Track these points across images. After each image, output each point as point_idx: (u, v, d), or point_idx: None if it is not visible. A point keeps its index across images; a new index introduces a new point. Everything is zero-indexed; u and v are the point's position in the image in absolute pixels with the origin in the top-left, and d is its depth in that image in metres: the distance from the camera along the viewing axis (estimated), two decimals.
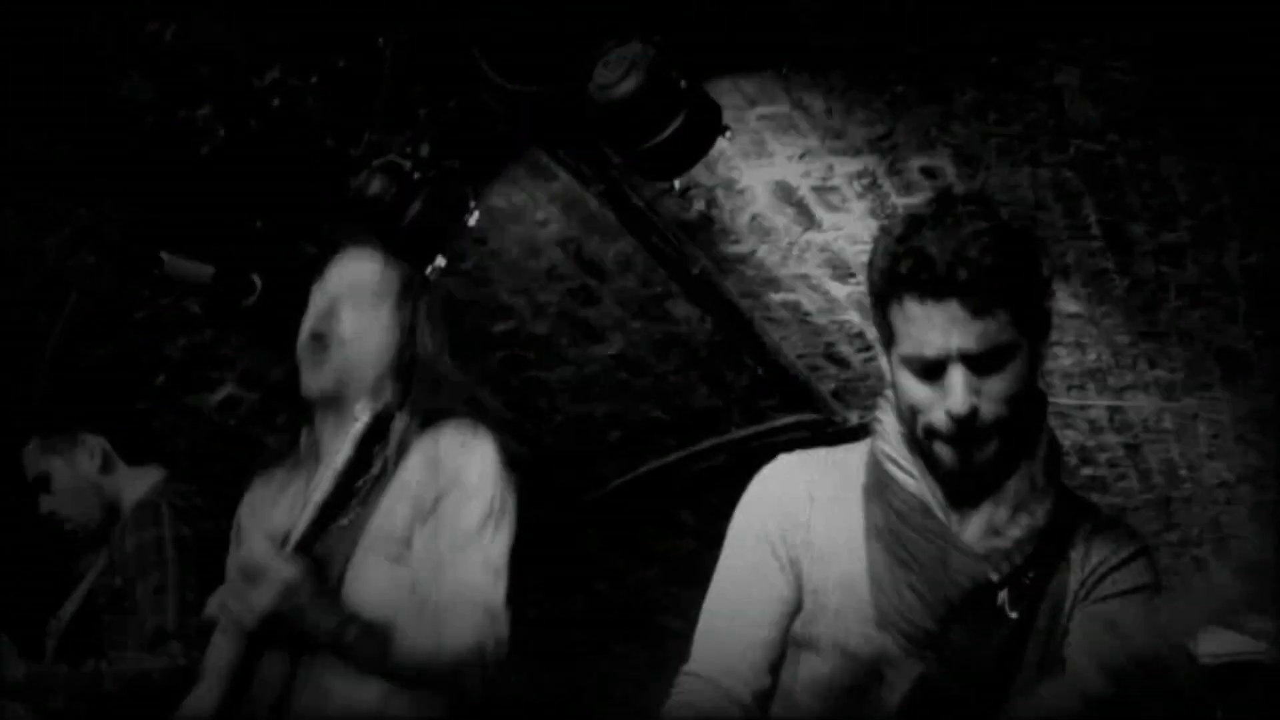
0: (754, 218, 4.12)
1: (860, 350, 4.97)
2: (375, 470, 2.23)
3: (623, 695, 6.59)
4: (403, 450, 2.27)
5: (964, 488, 1.87)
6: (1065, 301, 4.31)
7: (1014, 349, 1.76)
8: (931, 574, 1.85)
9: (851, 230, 4.17)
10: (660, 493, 5.84)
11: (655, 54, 3.06)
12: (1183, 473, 5.80)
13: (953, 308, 1.72)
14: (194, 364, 4.10)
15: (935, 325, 1.74)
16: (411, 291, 2.43)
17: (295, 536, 1.88)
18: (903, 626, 1.86)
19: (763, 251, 4.33)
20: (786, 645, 1.96)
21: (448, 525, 2.22)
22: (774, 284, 4.56)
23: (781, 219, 4.13)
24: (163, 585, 2.97)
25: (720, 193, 3.99)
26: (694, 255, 4.30)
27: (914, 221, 1.78)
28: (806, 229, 4.18)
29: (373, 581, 2.19)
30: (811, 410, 5.49)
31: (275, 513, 2.31)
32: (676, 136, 3.14)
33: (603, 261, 4.34)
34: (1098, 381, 4.96)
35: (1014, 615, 1.85)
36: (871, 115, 3.59)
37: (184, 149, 3.31)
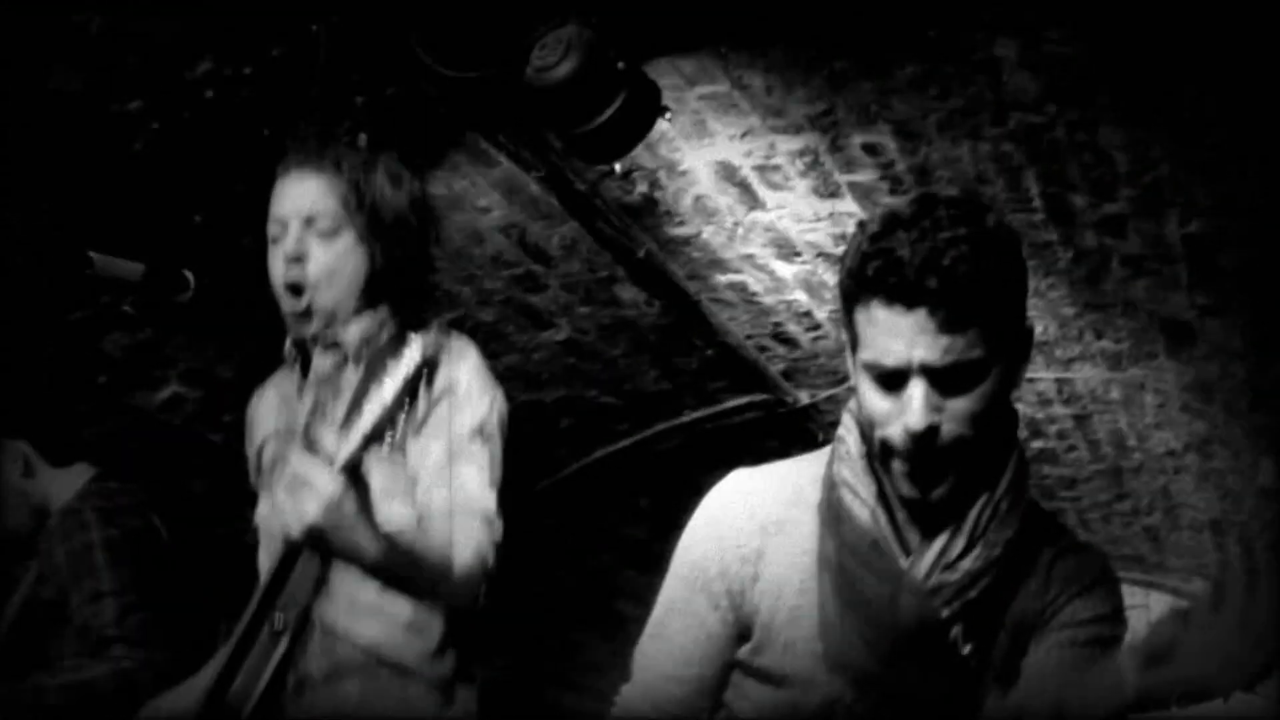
0: (697, 199, 4.11)
1: (809, 329, 4.97)
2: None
3: (580, 681, 6.58)
4: (384, 346, 2.31)
5: (921, 514, 1.79)
6: None
7: (983, 368, 1.66)
8: (880, 616, 1.79)
9: (795, 209, 4.16)
10: (614, 478, 5.82)
11: (592, 35, 3.04)
12: (1131, 443, 5.84)
13: (920, 317, 1.63)
14: (135, 363, 4.04)
15: (899, 334, 1.64)
16: (363, 187, 2.40)
17: (342, 457, 1.89)
18: (851, 670, 1.82)
19: (707, 233, 4.32)
20: (729, 673, 1.92)
21: (440, 434, 2.26)
22: (720, 265, 4.55)
23: (725, 199, 4.12)
24: (99, 592, 2.93)
25: (663, 174, 3.97)
26: (639, 238, 4.29)
27: (891, 220, 1.69)
28: (750, 209, 4.17)
29: (372, 475, 2.17)
30: (762, 391, 5.49)
31: (277, 411, 2.46)
32: (616, 118, 3.12)
33: (547, 247, 4.31)
34: (1045, 354, 4.98)
35: (967, 650, 1.79)
36: (811, 92, 3.58)
37: (116, 144, 3.26)
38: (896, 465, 1.72)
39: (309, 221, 2.37)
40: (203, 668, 2.25)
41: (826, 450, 1.92)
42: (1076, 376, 5.17)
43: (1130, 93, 3.38)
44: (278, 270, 2.39)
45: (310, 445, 2.29)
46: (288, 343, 2.49)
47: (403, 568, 2.11)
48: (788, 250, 4.44)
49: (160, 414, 4.26)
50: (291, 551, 2.00)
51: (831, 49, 3.42)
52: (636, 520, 6.20)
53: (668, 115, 3.23)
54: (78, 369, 3.83)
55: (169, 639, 2.96)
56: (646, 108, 3.18)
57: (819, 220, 4.20)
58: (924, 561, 1.78)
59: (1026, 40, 3.26)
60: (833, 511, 1.84)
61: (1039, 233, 4.09)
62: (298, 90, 3.36)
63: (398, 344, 2.22)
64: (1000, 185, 3.86)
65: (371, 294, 2.40)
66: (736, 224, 4.27)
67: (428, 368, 1.89)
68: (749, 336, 5.13)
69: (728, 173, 3.97)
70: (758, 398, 5.53)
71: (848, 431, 1.86)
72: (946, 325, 1.62)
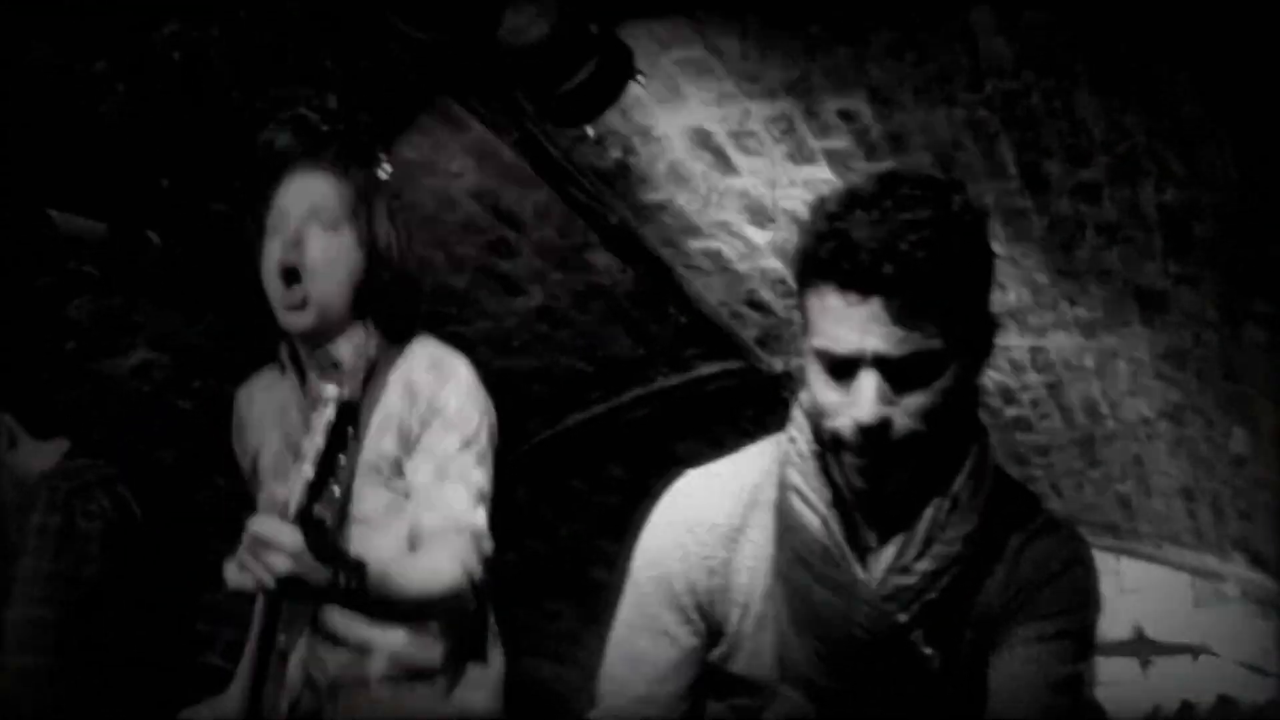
0: (671, 165, 4.08)
1: (782, 296, 4.95)
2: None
3: (556, 650, 6.59)
4: (378, 367, 2.37)
5: (877, 512, 1.72)
6: None
7: (941, 360, 1.57)
8: (833, 631, 1.73)
9: (770, 175, 4.14)
10: (587, 446, 5.81)
11: None
12: (1104, 410, 5.86)
13: (874, 305, 1.53)
14: (103, 329, 4.00)
15: (851, 321, 1.55)
16: (367, 200, 2.42)
17: (292, 508, 1.92)
18: (807, 685, 1.78)
19: (681, 199, 4.29)
20: (701, 675, 1.87)
21: (431, 455, 2.30)
22: (693, 231, 4.53)
23: (699, 165, 4.09)
24: (11, 576, 2.86)
25: (636, 140, 3.94)
26: (612, 204, 4.26)
27: (849, 200, 1.59)
28: (725, 175, 4.14)
29: (371, 507, 2.33)
30: (736, 358, 5.48)
31: (275, 420, 2.48)
32: (589, 82, 3.10)
33: (520, 213, 4.28)
34: (1019, 321, 4.98)
35: (930, 652, 1.73)
36: (787, 58, 3.55)
37: (81, 106, 3.21)
38: (847, 458, 1.64)
39: (312, 212, 2.38)
40: (228, 692, 2.35)
41: (778, 438, 1.84)
42: (1050, 344, 5.17)
43: (1106, 60, 3.36)
44: (274, 255, 2.38)
45: (314, 466, 2.24)
46: (282, 350, 2.49)
47: (385, 599, 2.12)
48: (762, 216, 4.42)
49: (130, 381, 4.22)
50: (272, 601, 2.03)
51: (807, 14, 3.39)
52: (610, 488, 6.19)
53: (641, 79, 3.19)
54: (44, 336, 3.79)
55: (60, 645, 2.85)
56: (619, 71, 3.16)
57: (794, 186, 4.18)
58: (879, 567, 1.71)
59: (1003, 6, 3.24)
60: (784, 516, 1.77)
61: (1013, 200, 4.08)
62: (266, 53, 3.32)
63: (388, 361, 2.38)
64: (975, 152, 3.84)
65: (360, 305, 2.41)
66: (710, 190, 4.24)
67: (346, 412, 1.91)
68: (723, 303, 5.11)
69: (701, 138, 3.94)
70: (732, 365, 5.52)
71: (799, 431, 1.77)
72: (903, 314, 1.53)
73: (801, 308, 1.66)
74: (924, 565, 1.69)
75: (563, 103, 3.15)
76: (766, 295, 5.01)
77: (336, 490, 1.95)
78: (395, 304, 2.44)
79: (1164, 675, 7.61)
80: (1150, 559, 8.05)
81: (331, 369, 2.39)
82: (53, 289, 3.68)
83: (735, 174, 4.14)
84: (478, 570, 2.27)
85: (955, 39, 3.40)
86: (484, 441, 2.36)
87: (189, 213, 3.68)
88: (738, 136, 3.93)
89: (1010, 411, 6.06)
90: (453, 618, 2.32)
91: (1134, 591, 8.03)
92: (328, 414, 1.91)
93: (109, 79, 3.16)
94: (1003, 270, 4.54)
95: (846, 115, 3.77)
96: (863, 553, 1.73)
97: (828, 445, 1.67)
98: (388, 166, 3.37)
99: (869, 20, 3.39)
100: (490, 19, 3.06)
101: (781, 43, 3.50)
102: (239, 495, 2.75)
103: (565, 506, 6.23)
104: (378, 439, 2.35)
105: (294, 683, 2.34)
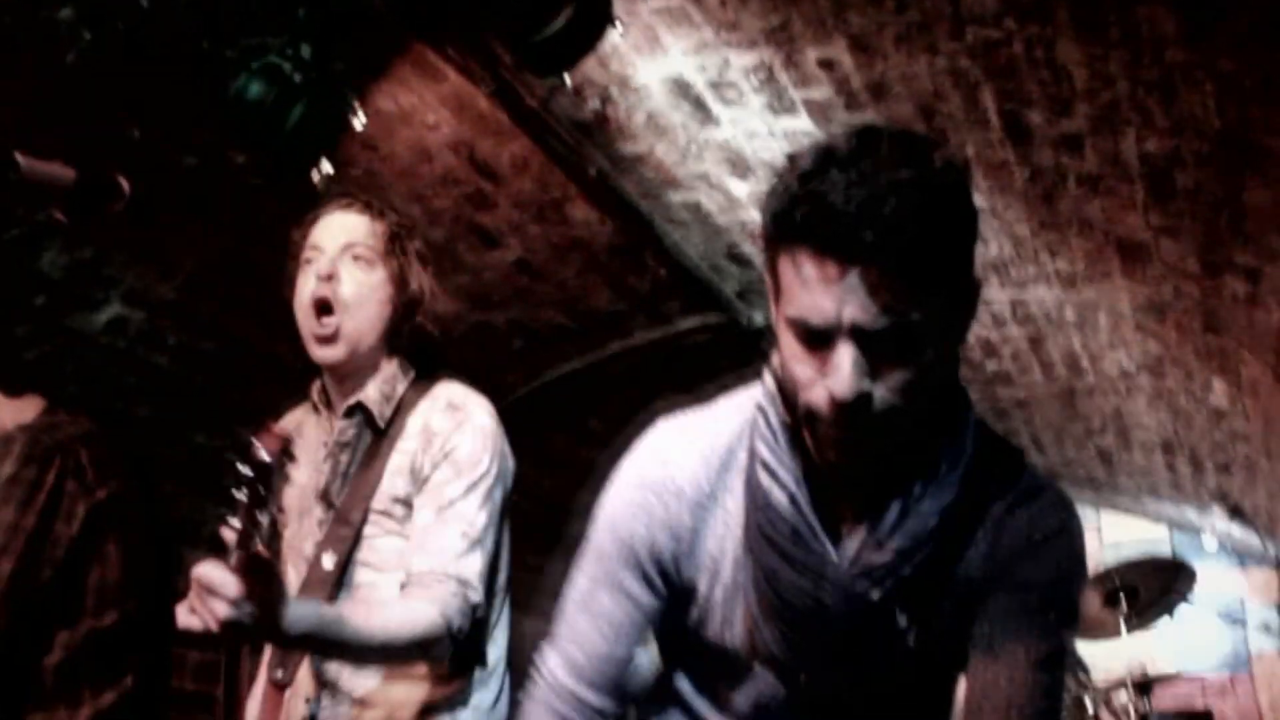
0: (650, 115, 4.04)
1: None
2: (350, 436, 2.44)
3: (538, 605, 6.58)
4: (401, 407, 2.43)
5: (852, 486, 1.64)
6: None
7: (923, 330, 1.47)
8: (805, 614, 1.67)
9: (749, 126, 4.09)
10: (566, 400, 5.79)
11: None
12: (1084, 364, 5.86)
13: (853, 273, 1.43)
14: (75, 283, 3.95)
15: (828, 290, 1.45)
16: (399, 240, 2.50)
17: (233, 556, 1.93)
18: (782, 669, 1.74)
19: (660, 150, 4.25)
20: (678, 638, 1.84)
21: (435, 496, 2.34)
22: (673, 184, 4.49)
23: (678, 116, 4.05)
24: None
25: (615, 90, 3.90)
26: (590, 156, 4.22)
27: (824, 157, 1.48)
28: (704, 126, 4.10)
29: (381, 553, 2.38)
30: (716, 312, 5.45)
31: (305, 459, 2.47)
32: (566, 29, 3.05)
33: (497, 165, 4.23)
34: (1000, 274, 4.96)
35: (905, 626, 1.68)
36: (766, 5, 3.50)
37: (47, 54, 3.15)
38: (822, 431, 1.55)
39: (347, 247, 2.46)
40: None
41: (752, 394, 1.77)
42: (1031, 297, 5.16)
43: (1088, 8, 3.33)
44: (308, 288, 2.44)
45: (330, 506, 2.41)
46: (314, 390, 2.56)
47: (343, 642, 2.13)
48: (742, 168, 4.38)
49: (103, 337, 4.17)
50: (227, 643, 2.07)
51: None
52: (590, 443, 6.17)
53: (619, 27, 3.15)
54: (14, 290, 3.74)
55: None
56: (597, 18, 3.11)
57: (773, 137, 4.14)
58: (852, 543, 1.64)
59: None
60: (752, 495, 1.69)
61: (995, 151, 4.04)
62: (237, 1, 3.26)
63: (411, 402, 2.45)
64: (957, 102, 3.81)
65: (390, 343, 2.49)
66: (690, 141, 4.20)
67: (262, 471, 1.91)
68: (702, 256, 5.09)
69: (681, 89, 3.90)
70: (711, 319, 5.50)
71: (770, 403, 1.69)
72: (883, 283, 1.43)
73: (772, 272, 1.55)
74: (898, 542, 1.62)
75: (539, 51, 3.10)
76: (747, 248, 4.99)
77: (260, 543, 1.92)
78: (423, 344, 2.53)
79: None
80: (1129, 512, 8.09)
81: (354, 410, 2.46)
82: (22, 241, 3.63)
83: (715, 125, 4.10)
84: (458, 619, 2.25)
85: None
86: (486, 488, 2.39)
87: (160, 164, 3.63)
88: (717, 86, 3.89)
89: (991, 365, 6.06)
90: (424, 662, 2.31)
91: (1114, 545, 8.07)
92: (245, 470, 1.93)
93: (75, 26, 3.10)
94: (984, 222, 4.51)
95: (827, 64, 3.73)
96: (835, 529, 1.66)
97: (801, 418, 1.57)
98: (363, 117, 3.33)
99: None
100: None
101: None
102: (219, 452, 2.73)
103: (546, 461, 6.21)
104: (391, 482, 2.39)
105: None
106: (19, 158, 2.07)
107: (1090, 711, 5.85)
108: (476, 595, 2.30)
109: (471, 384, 2.57)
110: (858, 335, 1.46)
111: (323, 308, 2.42)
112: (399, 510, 2.38)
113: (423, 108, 3.89)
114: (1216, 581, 7.75)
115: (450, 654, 2.28)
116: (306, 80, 3.20)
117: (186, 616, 1.95)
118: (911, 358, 1.48)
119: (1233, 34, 3.18)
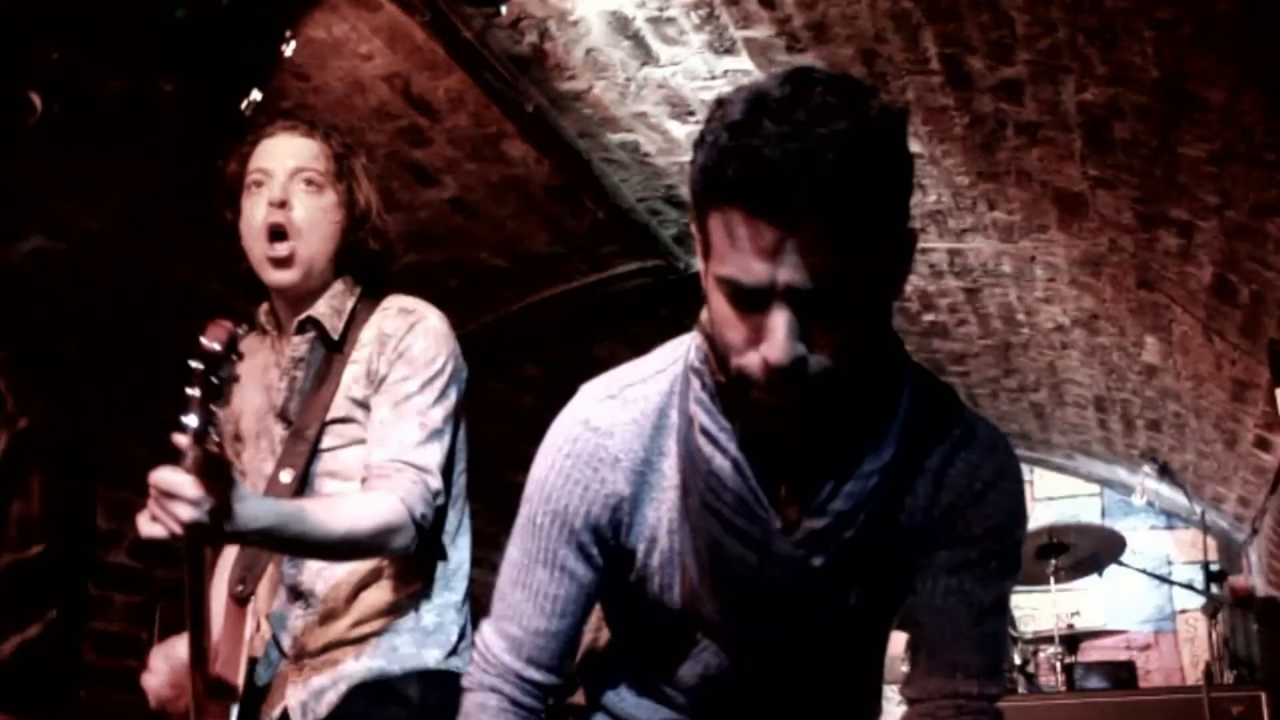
0: (589, 52, 3.97)
1: None
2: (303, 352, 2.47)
3: (473, 554, 6.55)
4: (353, 321, 2.47)
5: (784, 453, 1.60)
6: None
7: (860, 289, 1.41)
8: (749, 585, 1.64)
9: (690, 65, 4.04)
10: (502, 344, 5.74)
11: None
12: (1020, 317, 5.88)
13: (787, 231, 1.36)
14: None
15: (761, 249, 1.38)
16: (346, 161, 2.53)
17: (189, 458, 1.91)
18: (726, 640, 1.73)
19: (599, 88, 4.19)
20: (626, 599, 1.80)
21: (390, 394, 2.38)
22: (612, 123, 4.44)
23: (618, 53, 3.99)
24: None
25: (553, 24, 3.83)
26: (528, 92, 4.15)
27: (755, 104, 1.38)
28: (643, 64, 4.04)
29: (342, 461, 2.41)
30: (654, 256, 5.42)
31: (255, 382, 2.53)
32: None
33: (432, 99, 4.16)
34: (938, 224, 4.96)
35: (847, 586, 1.66)
36: None
37: None
38: (756, 395, 1.48)
39: (297, 172, 2.47)
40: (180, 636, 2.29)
41: (677, 351, 1.72)
42: (968, 248, 5.16)
43: None
44: (259, 214, 2.45)
45: (288, 424, 2.44)
46: (261, 312, 2.58)
47: (305, 537, 2.14)
48: (681, 109, 4.34)
49: (23, 270, 4.07)
50: (190, 547, 2.02)
51: None
52: (526, 388, 6.13)
53: None
54: None
55: None
56: None
57: (714, 78, 4.09)
58: (791, 512, 1.60)
59: None
60: (690, 460, 1.63)
61: (936, 96, 4.02)
62: None
63: (363, 317, 2.49)
64: (898, 44, 3.77)
65: (341, 263, 2.51)
66: (629, 80, 4.15)
67: (211, 359, 1.90)
68: (641, 199, 5.04)
69: (620, 24, 3.84)
70: (649, 263, 5.46)
71: (702, 362, 1.62)
72: (819, 243, 1.36)
73: (701, 228, 1.48)
74: (837, 505, 1.58)
75: None
76: (686, 192, 4.94)
77: (215, 435, 1.90)
78: (373, 261, 2.55)
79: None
80: (1061, 471, 8.17)
81: (309, 325, 2.48)
82: None
83: (654, 63, 4.05)
84: (420, 506, 2.27)
85: None
86: (441, 385, 2.41)
87: (84, 88, 3.54)
88: (657, 23, 3.83)
89: (928, 317, 6.07)
90: (389, 554, 2.31)
91: (1046, 500, 8.16)
92: (196, 364, 1.91)
93: None
94: (923, 171, 4.50)
95: (768, 3, 3.68)
96: (774, 496, 1.61)
97: (733, 382, 1.51)
98: (256, 96, 3.29)
99: None
100: None
101: None
102: (151, 391, 2.68)
103: (480, 408, 6.16)
104: (348, 389, 2.43)
105: (256, 634, 2.41)
106: None
107: (1017, 661, 5.93)
108: (436, 482, 2.32)
109: None
110: (791, 297, 1.39)
111: (276, 234, 2.44)
112: (359, 414, 2.41)
113: (356, 38, 3.82)
114: (1144, 540, 7.86)
115: (415, 544, 2.29)
116: (235, 5, 3.14)
117: (149, 526, 1.92)
118: (848, 318, 1.43)
119: None
